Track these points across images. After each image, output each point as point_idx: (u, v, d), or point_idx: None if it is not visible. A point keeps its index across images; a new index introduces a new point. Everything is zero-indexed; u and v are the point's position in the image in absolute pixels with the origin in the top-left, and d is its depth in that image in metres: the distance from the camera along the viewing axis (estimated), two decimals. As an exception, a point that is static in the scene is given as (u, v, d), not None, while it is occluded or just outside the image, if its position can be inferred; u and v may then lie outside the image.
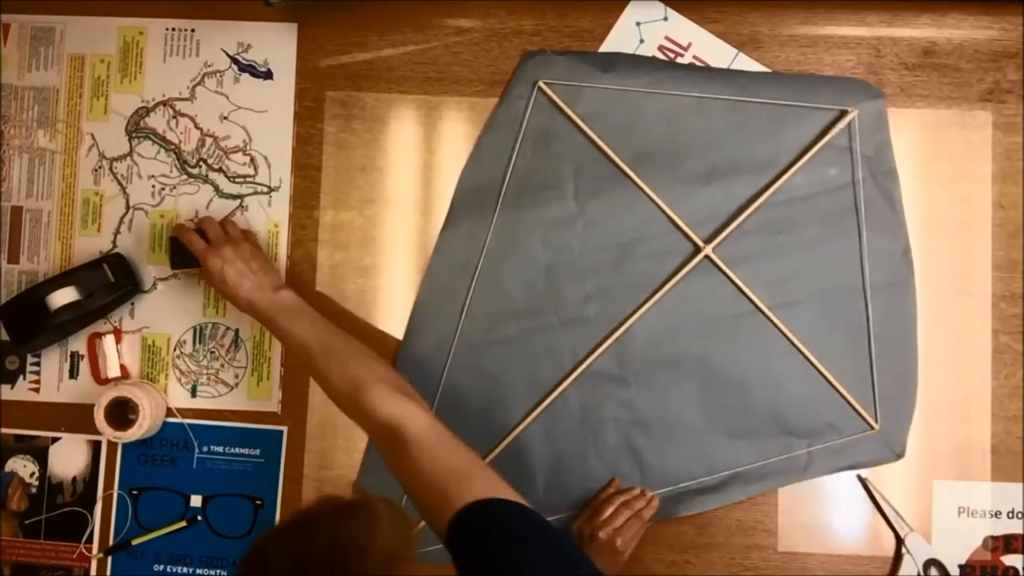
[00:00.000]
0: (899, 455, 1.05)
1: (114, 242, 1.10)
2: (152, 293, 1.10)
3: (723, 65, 1.08)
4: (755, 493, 1.05)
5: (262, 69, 1.10)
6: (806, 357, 1.04)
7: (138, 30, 1.11)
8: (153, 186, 1.10)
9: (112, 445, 1.08)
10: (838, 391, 1.04)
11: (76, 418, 1.08)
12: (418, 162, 1.09)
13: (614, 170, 1.06)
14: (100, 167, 1.11)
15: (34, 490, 1.09)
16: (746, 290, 1.03)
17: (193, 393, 1.09)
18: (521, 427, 1.05)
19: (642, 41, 1.08)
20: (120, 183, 1.10)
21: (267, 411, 1.08)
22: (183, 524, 1.07)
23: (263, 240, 1.09)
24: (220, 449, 1.08)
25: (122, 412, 1.04)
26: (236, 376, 1.09)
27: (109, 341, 1.08)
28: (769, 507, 1.05)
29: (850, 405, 1.04)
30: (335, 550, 0.65)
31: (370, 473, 1.07)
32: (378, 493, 1.04)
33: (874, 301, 1.04)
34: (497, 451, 1.05)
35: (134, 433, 1.03)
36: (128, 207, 1.10)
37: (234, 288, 0.97)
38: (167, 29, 1.11)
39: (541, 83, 1.06)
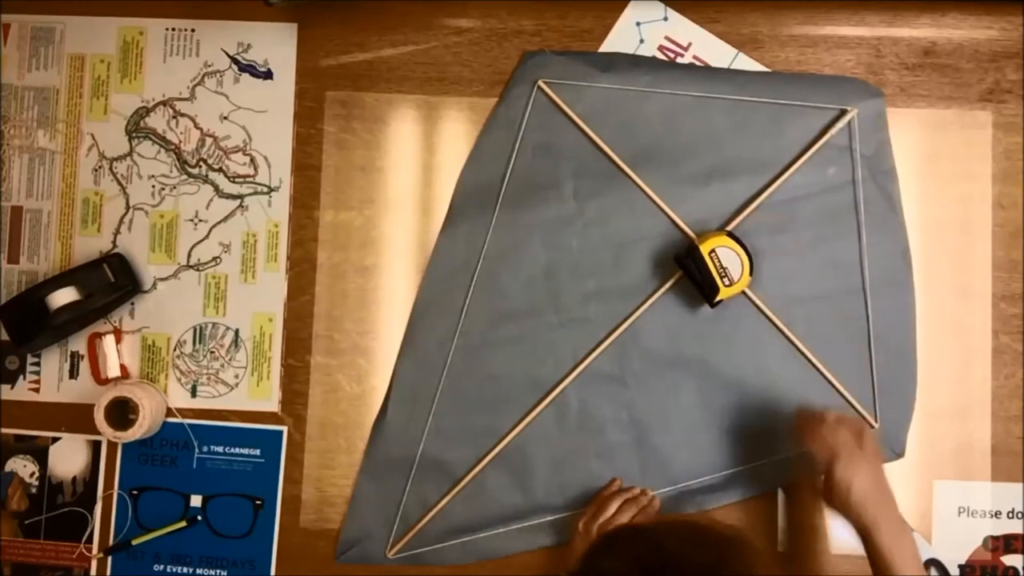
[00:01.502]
0: (899, 455, 1.05)
1: (114, 242, 1.10)
2: (152, 293, 1.10)
3: (723, 65, 1.08)
4: (756, 493, 1.04)
5: (262, 69, 1.10)
6: (806, 357, 1.04)
7: (138, 30, 1.11)
8: (153, 186, 1.10)
9: (112, 445, 1.08)
10: (838, 390, 1.04)
11: (76, 418, 1.08)
12: (418, 162, 1.09)
13: (613, 170, 1.06)
14: (100, 167, 1.11)
15: (34, 490, 1.09)
16: (746, 290, 1.03)
17: (193, 393, 1.09)
18: (521, 427, 1.05)
19: (642, 41, 1.08)
20: (120, 183, 1.10)
21: (267, 411, 1.08)
22: (183, 524, 1.07)
23: (263, 240, 1.09)
24: (220, 449, 1.08)
25: (122, 412, 1.04)
26: (236, 376, 1.09)
27: (109, 341, 1.08)
28: (769, 507, 1.05)
29: (850, 404, 1.04)
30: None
31: (370, 473, 1.07)
32: (377, 493, 1.06)
33: (874, 301, 1.04)
34: (498, 450, 1.05)
35: (134, 433, 1.03)
36: (128, 207, 1.10)
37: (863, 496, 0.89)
38: (167, 29, 1.11)
39: (541, 83, 1.06)
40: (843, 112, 1.05)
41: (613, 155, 1.05)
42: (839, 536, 1.05)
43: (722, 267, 0.99)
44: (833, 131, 1.04)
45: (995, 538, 1.05)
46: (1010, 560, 1.04)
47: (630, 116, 1.06)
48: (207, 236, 1.10)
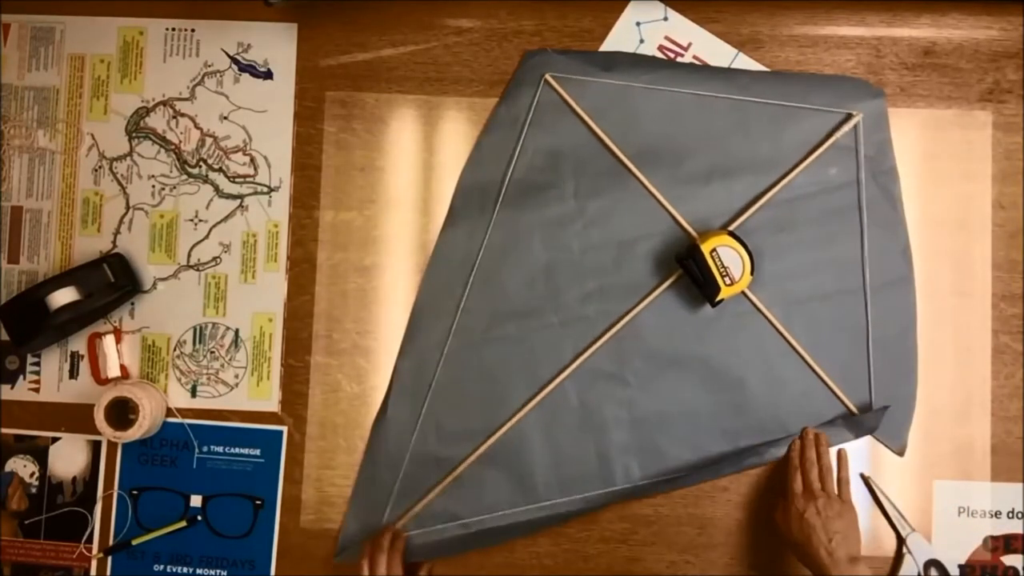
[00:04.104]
0: (900, 454, 1.05)
1: (114, 242, 1.10)
2: (152, 293, 1.10)
3: (723, 65, 1.08)
4: (755, 493, 1.05)
5: (262, 69, 1.10)
6: (803, 357, 1.04)
7: (138, 30, 1.11)
8: (153, 186, 1.10)
9: (112, 445, 1.08)
10: (833, 391, 1.04)
11: (76, 418, 1.08)
12: (418, 162, 1.09)
13: (614, 169, 1.06)
14: (100, 167, 1.11)
15: (34, 490, 1.09)
16: (746, 290, 1.03)
17: (193, 393, 1.09)
18: (515, 419, 1.04)
19: (642, 41, 1.08)
20: (120, 183, 1.10)
21: (267, 411, 1.08)
22: (183, 524, 1.07)
23: (263, 240, 1.09)
24: (220, 449, 1.08)
25: (122, 412, 1.04)
26: (236, 376, 1.09)
27: (109, 341, 1.08)
28: (769, 507, 1.05)
29: (844, 405, 1.04)
30: None
31: (370, 472, 1.06)
32: (377, 492, 1.05)
33: (874, 300, 1.05)
34: (494, 439, 1.04)
35: (134, 433, 1.03)
36: (128, 207, 1.10)
37: (804, 536, 0.95)
38: (167, 29, 1.11)
39: (548, 76, 1.06)
40: (849, 116, 1.05)
41: (617, 150, 1.05)
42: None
43: (723, 266, 0.99)
44: (838, 135, 1.04)
45: (995, 538, 1.05)
46: (1010, 560, 1.04)
47: (632, 115, 1.06)
48: (207, 236, 1.10)
